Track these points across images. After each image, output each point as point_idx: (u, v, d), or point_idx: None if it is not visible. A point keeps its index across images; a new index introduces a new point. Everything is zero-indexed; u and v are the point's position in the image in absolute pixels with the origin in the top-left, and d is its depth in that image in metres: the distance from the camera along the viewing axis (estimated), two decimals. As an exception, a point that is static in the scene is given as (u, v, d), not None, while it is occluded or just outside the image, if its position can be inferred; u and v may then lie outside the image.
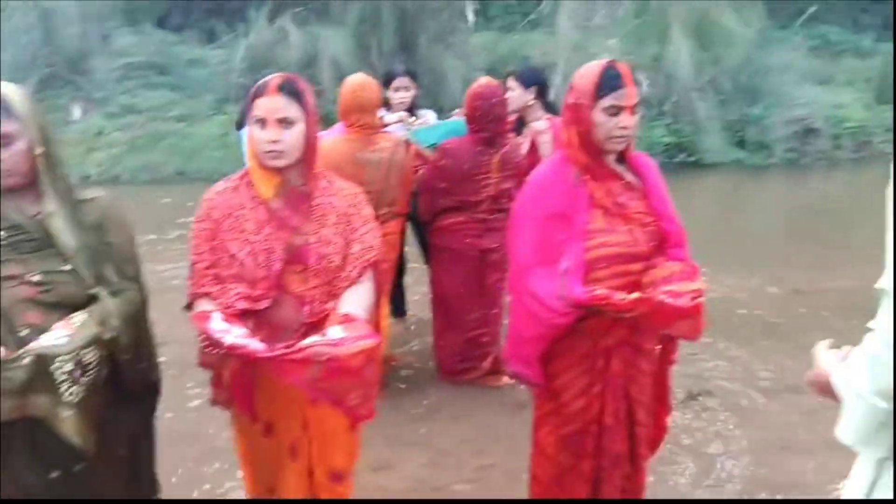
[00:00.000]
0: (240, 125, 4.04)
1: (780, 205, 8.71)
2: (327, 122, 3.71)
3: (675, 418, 2.94)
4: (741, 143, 10.07)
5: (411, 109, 4.07)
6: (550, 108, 3.76)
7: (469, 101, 3.54)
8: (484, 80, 3.64)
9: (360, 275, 2.00)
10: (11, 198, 1.75)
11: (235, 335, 1.81)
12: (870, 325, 1.20)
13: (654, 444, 2.31)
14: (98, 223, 1.82)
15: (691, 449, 3.19)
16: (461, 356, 3.76)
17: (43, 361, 1.64)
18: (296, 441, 2.07)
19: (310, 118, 1.96)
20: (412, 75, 4.14)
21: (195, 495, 2.87)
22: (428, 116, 4.16)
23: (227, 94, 9.86)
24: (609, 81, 1.99)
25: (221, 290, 1.94)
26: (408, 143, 3.74)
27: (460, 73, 9.45)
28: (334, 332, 1.83)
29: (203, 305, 1.94)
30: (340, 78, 3.62)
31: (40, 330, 1.69)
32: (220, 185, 2.05)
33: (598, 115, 2.00)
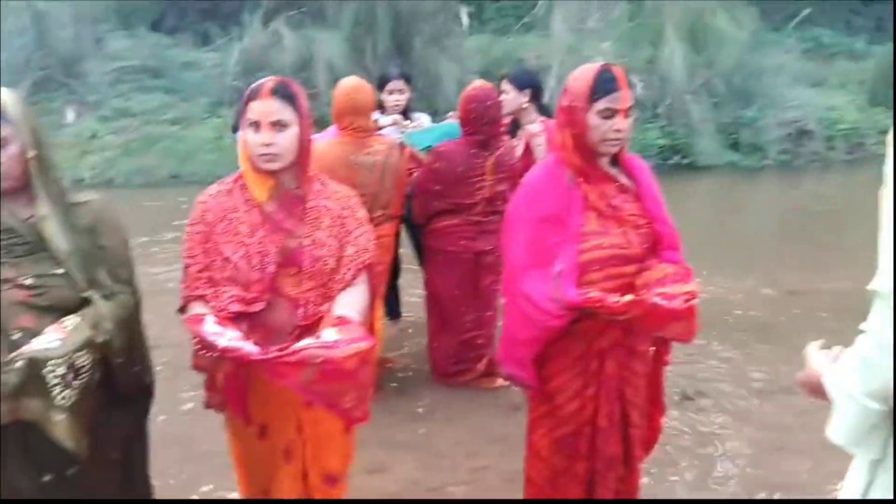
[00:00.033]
0: (236, 128, 4.03)
1: (774, 206, 8.74)
2: (322, 124, 3.70)
3: (668, 420, 2.95)
4: (735, 146, 10.11)
5: (406, 112, 4.07)
6: (545, 111, 3.76)
7: (463, 103, 3.54)
8: (478, 83, 3.64)
9: (354, 277, 2.00)
10: (4, 201, 1.75)
11: (229, 338, 1.81)
12: (862, 326, 1.21)
13: (648, 446, 2.32)
14: (91, 226, 1.82)
15: (685, 450, 3.19)
16: (456, 358, 3.76)
17: (35, 365, 1.63)
18: (290, 444, 2.07)
19: (303, 121, 1.96)
20: (406, 78, 4.14)
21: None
22: (422, 119, 4.16)
23: (221, 97, 9.85)
24: (604, 84, 2.00)
25: (215, 293, 1.93)
26: (402, 146, 3.74)
27: (455, 76, 9.46)
28: (328, 334, 1.83)
29: (196, 308, 1.94)
30: (335, 81, 3.63)
31: (33, 333, 1.69)
32: (213, 188, 2.05)
33: (593, 118, 2.01)
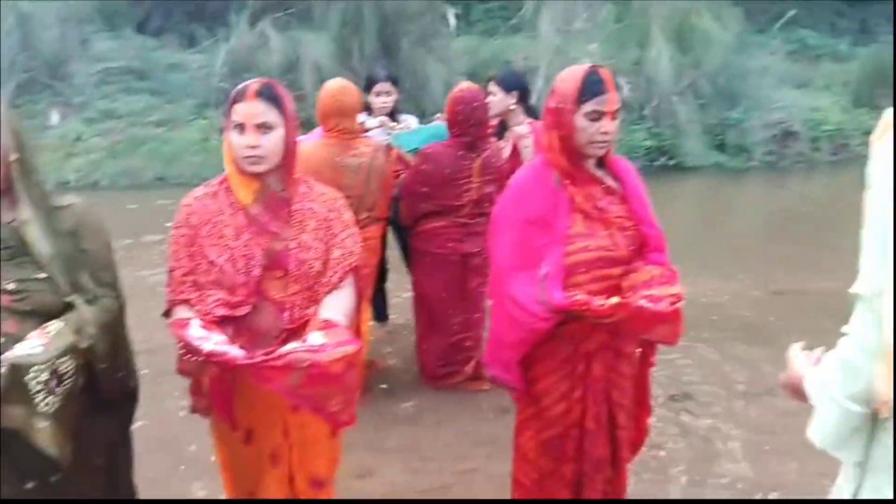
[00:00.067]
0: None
1: (760, 207, 8.79)
2: (309, 126, 3.70)
3: (655, 421, 2.95)
4: (721, 147, 10.16)
5: (393, 114, 4.06)
6: (532, 113, 3.76)
7: (450, 105, 3.54)
8: (465, 85, 3.64)
9: (340, 280, 1.99)
10: (-15, 205, 1.73)
11: (214, 342, 1.80)
12: (844, 329, 1.21)
13: (634, 447, 2.33)
14: (73, 230, 1.80)
15: (670, 451, 3.20)
16: (444, 360, 3.75)
17: (17, 371, 1.61)
18: (276, 448, 2.06)
19: (289, 123, 1.95)
20: (394, 80, 4.14)
21: (175, 504, 2.85)
22: (409, 121, 4.15)
23: (207, 98, 9.79)
24: (591, 87, 2.00)
25: (200, 297, 1.92)
26: (389, 148, 3.73)
27: (442, 78, 9.45)
28: (315, 338, 1.82)
29: (181, 312, 1.92)
30: (322, 82, 3.61)
31: (15, 339, 1.67)
32: (198, 191, 2.04)
33: (580, 120, 2.01)
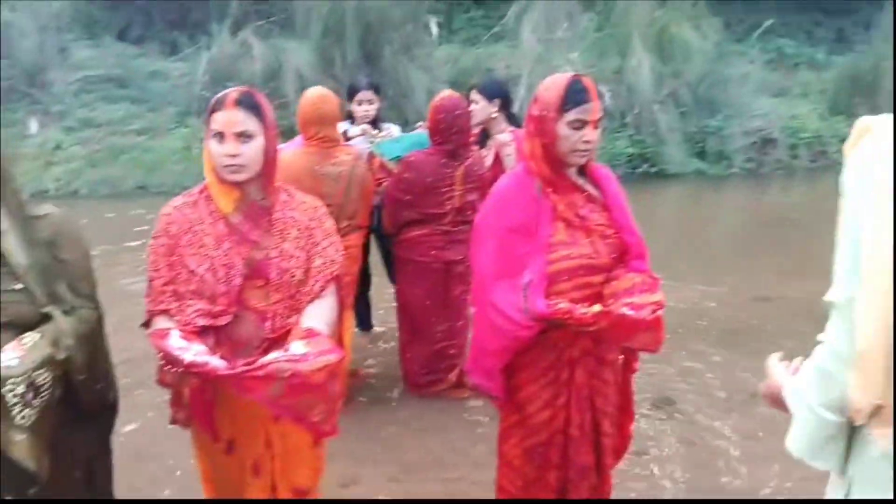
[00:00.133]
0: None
1: (740, 214, 8.87)
2: (291, 134, 3.68)
3: (638, 427, 2.96)
4: (702, 154, 10.26)
5: (375, 122, 4.07)
6: (514, 121, 3.77)
7: (432, 113, 3.54)
8: (446, 93, 3.64)
9: (322, 289, 1.98)
10: (-39, 215, 1.70)
11: (195, 353, 1.78)
12: (819, 337, 1.22)
13: (618, 454, 2.33)
14: (51, 240, 1.78)
15: (655, 457, 3.21)
16: (428, 368, 3.74)
17: (-7, 384, 1.59)
18: (258, 458, 2.04)
19: (269, 132, 1.94)
20: (376, 89, 4.14)
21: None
22: (392, 129, 4.15)
23: (189, 107, 9.75)
24: (575, 95, 2.01)
25: (180, 307, 1.90)
26: (371, 156, 3.73)
27: (425, 86, 9.47)
28: (296, 347, 1.81)
29: (161, 323, 1.90)
30: (304, 90, 3.60)
31: (-9, 351, 1.64)
32: (177, 200, 2.02)
33: (563, 128, 2.01)
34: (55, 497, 1.78)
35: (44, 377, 1.66)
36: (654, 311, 1.96)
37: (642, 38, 10.23)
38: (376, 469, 3.13)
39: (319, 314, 1.96)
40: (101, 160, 9.19)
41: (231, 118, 1.89)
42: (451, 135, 3.49)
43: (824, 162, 10.36)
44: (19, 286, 1.70)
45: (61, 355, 1.71)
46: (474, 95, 3.71)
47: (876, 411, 1.14)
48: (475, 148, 3.68)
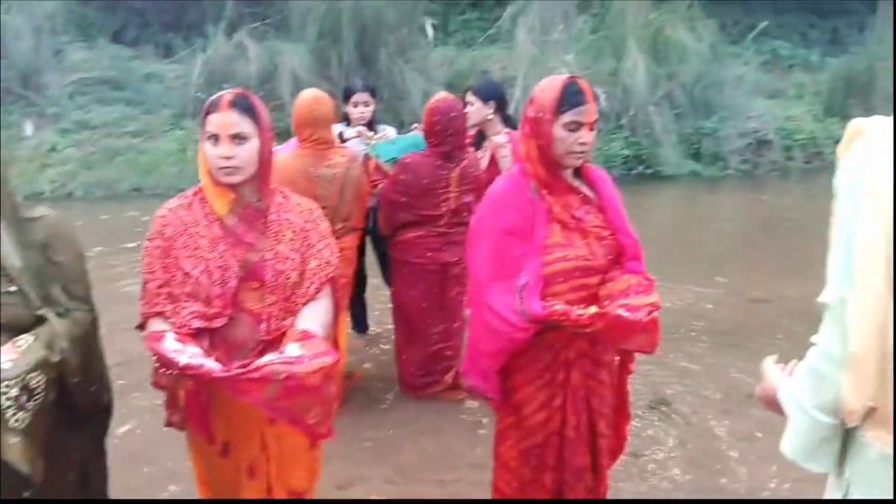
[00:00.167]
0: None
1: (736, 215, 8.88)
2: (287, 136, 3.68)
3: (634, 429, 2.96)
4: (697, 156, 10.28)
5: (371, 124, 4.06)
6: (509, 123, 3.78)
7: (427, 115, 3.54)
8: (441, 95, 3.65)
9: (317, 291, 1.98)
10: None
11: (190, 355, 1.78)
12: (813, 339, 1.22)
13: (614, 454, 2.33)
14: (45, 242, 1.77)
15: (651, 458, 3.21)
16: (424, 370, 3.74)
17: (-14, 387, 1.58)
18: (254, 461, 2.04)
19: (263, 134, 1.94)
20: (371, 90, 4.14)
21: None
22: (388, 131, 4.15)
23: (184, 109, 9.73)
24: (571, 97, 2.01)
25: (175, 309, 1.90)
26: (367, 158, 3.73)
27: (420, 88, 9.47)
28: (292, 349, 1.81)
29: (156, 325, 1.90)
30: (300, 93, 3.60)
31: (-16, 354, 1.64)
32: (172, 202, 2.02)
33: (559, 130, 2.01)
34: (51, 498, 1.77)
35: (38, 380, 1.66)
36: (649, 313, 1.96)
37: (637, 39, 10.25)
38: (372, 471, 3.13)
39: (315, 316, 1.95)
40: (96, 162, 9.17)
41: (225, 120, 1.88)
42: (447, 137, 3.49)
43: (819, 163, 10.38)
44: (13, 288, 1.70)
45: (55, 358, 1.70)
46: (470, 97, 3.71)
47: (869, 413, 1.14)
48: (471, 150, 3.68)
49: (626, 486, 2.98)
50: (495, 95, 3.77)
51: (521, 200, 2.07)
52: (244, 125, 1.90)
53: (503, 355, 2.07)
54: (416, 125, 4.12)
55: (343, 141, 3.84)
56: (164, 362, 1.80)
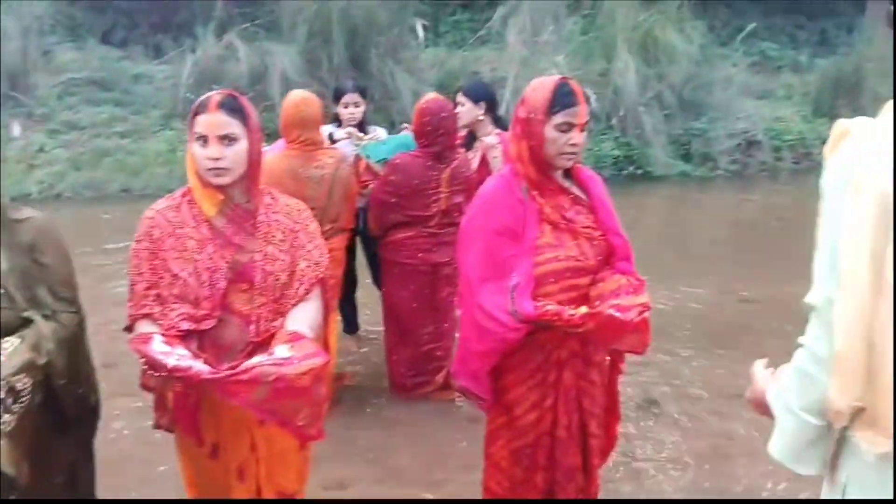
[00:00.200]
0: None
1: (726, 215, 8.91)
2: (277, 137, 3.66)
3: (624, 428, 2.96)
4: (687, 156, 10.31)
5: (361, 125, 4.06)
6: (500, 123, 3.78)
7: (417, 116, 3.54)
8: (431, 96, 3.65)
9: (307, 292, 1.97)
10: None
11: (178, 357, 1.77)
12: (800, 340, 1.22)
13: (604, 454, 2.33)
14: (31, 244, 1.76)
15: (641, 458, 3.21)
16: (415, 370, 3.73)
17: (-28, 390, 1.57)
18: (243, 463, 2.03)
19: (252, 135, 1.93)
20: (362, 91, 4.13)
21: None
22: (378, 132, 4.15)
23: (173, 109, 9.68)
24: (562, 98, 2.01)
25: (163, 311, 1.89)
26: (357, 159, 3.72)
27: (411, 89, 9.45)
28: (281, 351, 1.80)
29: (144, 327, 1.89)
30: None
31: (-31, 356, 1.62)
32: (160, 204, 2.01)
33: (550, 131, 2.02)
34: (37, 501, 1.76)
35: (24, 382, 1.64)
36: (640, 313, 1.97)
37: (627, 41, 10.27)
38: (363, 472, 3.12)
39: (304, 317, 1.95)
40: (85, 163, 9.11)
41: (214, 121, 1.88)
42: (437, 137, 3.49)
43: (808, 164, 10.43)
44: (-1, 291, 1.69)
45: (42, 360, 1.69)
46: (460, 98, 3.71)
47: (857, 414, 1.14)
48: (461, 150, 3.68)
49: (617, 485, 2.98)
50: (486, 96, 3.77)
51: (511, 201, 2.07)
52: (233, 126, 1.89)
53: (495, 355, 2.07)
54: (406, 126, 4.12)
55: (333, 142, 3.83)
56: (152, 365, 1.79)
